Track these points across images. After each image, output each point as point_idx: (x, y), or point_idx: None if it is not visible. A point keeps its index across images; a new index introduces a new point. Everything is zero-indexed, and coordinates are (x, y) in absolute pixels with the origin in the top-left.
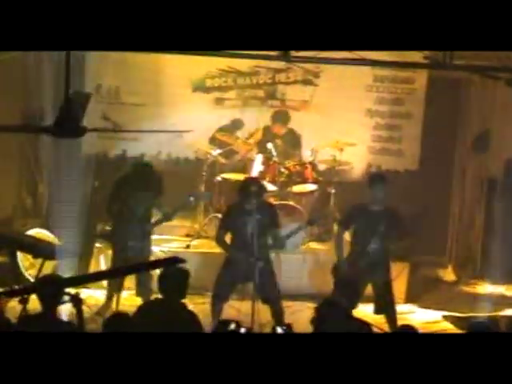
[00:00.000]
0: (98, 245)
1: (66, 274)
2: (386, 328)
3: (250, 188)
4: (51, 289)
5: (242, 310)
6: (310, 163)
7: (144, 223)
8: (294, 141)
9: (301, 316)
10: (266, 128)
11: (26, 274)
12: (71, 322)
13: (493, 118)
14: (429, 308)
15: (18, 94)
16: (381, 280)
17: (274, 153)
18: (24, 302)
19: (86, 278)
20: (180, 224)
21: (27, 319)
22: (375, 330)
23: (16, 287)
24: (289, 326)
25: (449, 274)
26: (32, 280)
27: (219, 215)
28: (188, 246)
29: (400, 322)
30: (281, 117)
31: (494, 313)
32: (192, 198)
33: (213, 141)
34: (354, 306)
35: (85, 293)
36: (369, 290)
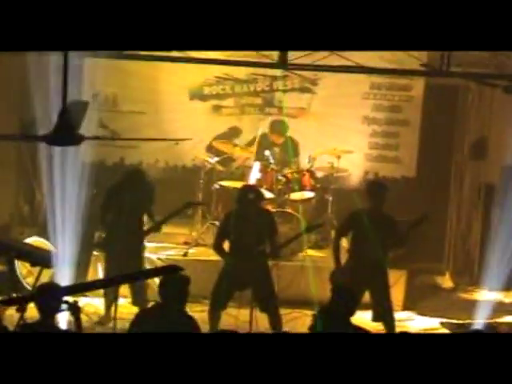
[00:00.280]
0: (95, 253)
1: (64, 282)
2: None
3: (247, 195)
4: (49, 297)
5: (239, 318)
6: (308, 170)
7: (136, 231)
8: (291, 148)
9: (299, 323)
10: (264, 135)
11: (24, 282)
12: (69, 330)
13: (490, 124)
14: (427, 315)
15: (16, 102)
16: (379, 287)
17: (272, 160)
18: (22, 310)
19: (85, 287)
20: (178, 232)
21: (25, 327)
22: None
23: (14, 295)
24: None
25: (446, 281)
26: (30, 288)
27: (217, 223)
28: (186, 254)
29: (398, 329)
30: (279, 126)
31: (492, 319)
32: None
33: (210, 148)
34: (351, 313)
35: (83, 301)
36: (366, 297)
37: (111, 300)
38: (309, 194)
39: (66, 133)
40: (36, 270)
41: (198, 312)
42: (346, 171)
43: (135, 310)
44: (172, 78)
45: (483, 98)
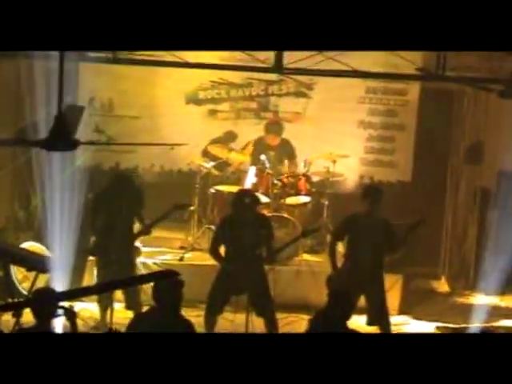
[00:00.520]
0: (91, 258)
1: (60, 287)
2: None
3: (243, 200)
4: (45, 302)
5: (235, 322)
6: (304, 175)
7: (127, 235)
8: (287, 152)
9: (295, 328)
10: (260, 139)
11: (20, 287)
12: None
13: (485, 129)
14: (422, 319)
15: (11, 107)
16: (374, 291)
17: (268, 164)
18: (18, 315)
19: (80, 292)
20: (173, 236)
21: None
22: None
23: (10, 300)
24: None
25: (442, 286)
26: (25, 293)
27: (213, 227)
28: (181, 259)
29: None
30: (274, 127)
31: (488, 324)
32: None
33: (206, 153)
34: (347, 318)
35: (79, 306)
36: (362, 301)
37: (106, 305)
38: (304, 199)
39: (62, 138)
40: (32, 274)
41: (194, 316)
42: (341, 176)
43: (130, 314)
44: (167, 83)
45: (479, 103)
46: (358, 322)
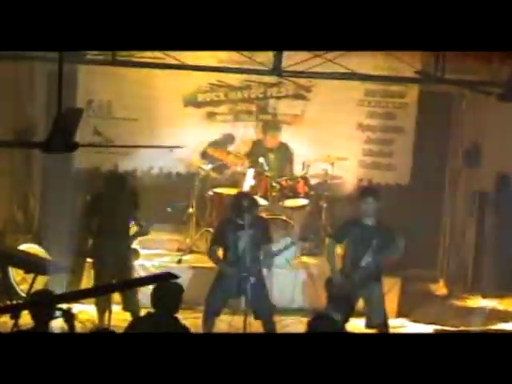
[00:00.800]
0: (89, 260)
1: (58, 289)
2: None
3: (242, 203)
4: (43, 304)
5: (233, 325)
6: (302, 177)
7: (122, 237)
8: (285, 155)
9: (293, 331)
10: (258, 142)
11: (18, 289)
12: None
13: (484, 131)
14: (420, 322)
15: (10, 109)
16: (373, 294)
17: (266, 167)
18: (16, 317)
19: (79, 294)
20: (172, 238)
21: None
22: None
23: (8, 303)
24: None
25: (440, 288)
26: (24, 295)
27: (211, 230)
28: (180, 261)
29: None
30: (271, 127)
31: (486, 326)
32: (169, 209)
33: (204, 155)
34: (346, 320)
35: (77, 308)
36: (360, 304)
37: (104, 307)
38: (303, 201)
39: (61, 140)
40: (30, 276)
41: (192, 319)
42: (340, 178)
43: (128, 316)
44: (166, 85)
45: (477, 105)
46: (357, 325)
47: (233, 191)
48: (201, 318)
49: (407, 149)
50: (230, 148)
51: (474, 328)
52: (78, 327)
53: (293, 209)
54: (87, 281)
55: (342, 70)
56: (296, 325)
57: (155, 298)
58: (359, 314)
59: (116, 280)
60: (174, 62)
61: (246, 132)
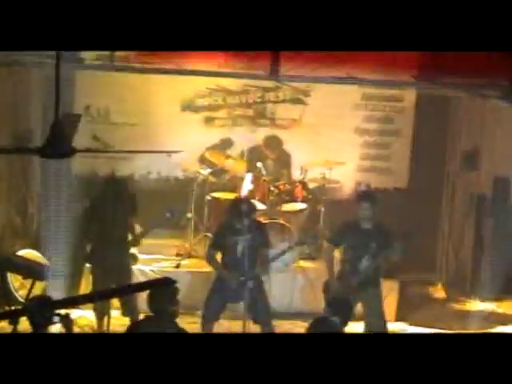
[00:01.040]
0: (88, 265)
1: (56, 294)
2: None
3: (240, 207)
4: (41, 310)
5: (232, 329)
6: (300, 182)
7: (121, 241)
8: (283, 160)
9: None
10: (257, 148)
11: (16, 295)
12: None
13: (482, 135)
14: (419, 326)
15: (7, 115)
16: (371, 298)
17: (264, 171)
18: (14, 323)
19: (77, 300)
20: (170, 243)
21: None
22: None
23: (6, 308)
24: None
25: (439, 292)
26: (22, 301)
27: (209, 234)
28: (178, 266)
29: None
30: (274, 142)
31: (485, 330)
32: (168, 214)
33: (202, 160)
34: (345, 324)
35: (76, 313)
36: (359, 307)
37: (102, 312)
38: (301, 206)
39: (59, 145)
40: (28, 282)
41: (191, 323)
42: (337, 182)
43: (127, 321)
44: (164, 90)
45: (475, 109)
46: (356, 329)
47: (231, 196)
48: (199, 323)
49: (405, 152)
50: (228, 152)
51: (473, 332)
52: (77, 332)
53: (291, 213)
54: (86, 286)
55: (340, 74)
56: (295, 329)
57: (151, 301)
58: (358, 318)
59: (114, 285)
60: (172, 67)
61: (244, 137)
